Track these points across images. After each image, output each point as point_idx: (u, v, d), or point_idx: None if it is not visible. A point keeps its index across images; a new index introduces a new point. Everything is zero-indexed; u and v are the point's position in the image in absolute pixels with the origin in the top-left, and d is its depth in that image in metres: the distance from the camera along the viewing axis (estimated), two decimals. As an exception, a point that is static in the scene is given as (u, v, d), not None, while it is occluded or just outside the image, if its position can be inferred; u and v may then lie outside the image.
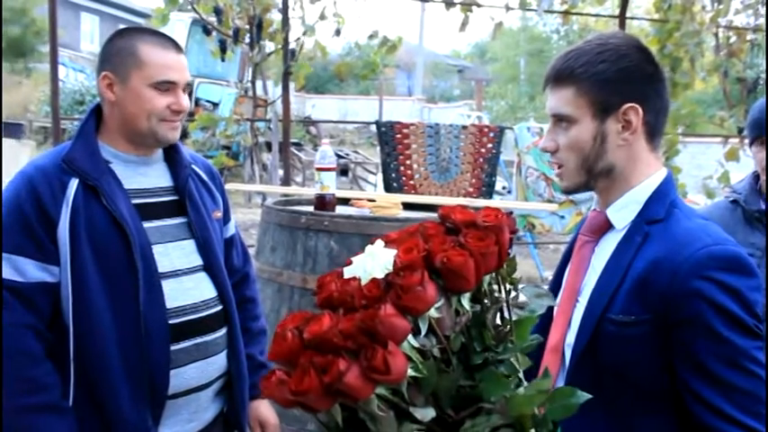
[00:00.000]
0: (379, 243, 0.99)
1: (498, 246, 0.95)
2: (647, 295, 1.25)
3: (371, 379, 0.84)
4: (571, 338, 1.35)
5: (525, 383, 0.97)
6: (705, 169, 6.94)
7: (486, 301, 0.96)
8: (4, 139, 12.01)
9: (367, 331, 0.86)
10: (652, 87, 1.34)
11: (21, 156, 10.20)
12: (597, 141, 1.33)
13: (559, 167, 1.39)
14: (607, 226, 1.38)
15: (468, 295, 0.93)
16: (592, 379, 1.27)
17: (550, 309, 1.26)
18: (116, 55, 1.72)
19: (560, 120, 1.36)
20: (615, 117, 1.32)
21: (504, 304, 0.98)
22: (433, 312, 0.89)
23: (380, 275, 0.92)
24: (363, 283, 0.93)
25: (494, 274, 0.97)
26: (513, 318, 0.98)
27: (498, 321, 0.98)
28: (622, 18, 5.82)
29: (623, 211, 1.36)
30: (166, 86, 1.72)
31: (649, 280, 1.25)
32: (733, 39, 6.01)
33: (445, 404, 0.91)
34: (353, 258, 0.98)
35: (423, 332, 0.89)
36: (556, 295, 1.44)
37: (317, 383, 0.84)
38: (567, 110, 1.34)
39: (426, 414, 0.88)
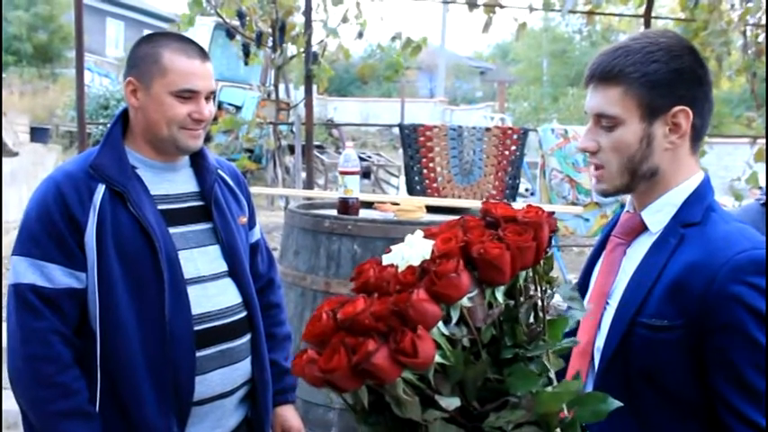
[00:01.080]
0: (419, 233, 0.99)
1: (536, 242, 0.94)
2: (683, 299, 1.21)
3: (399, 362, 0.85)
4: (600, 342, 1.33)
5: (555, 383, 0.96)
6: (732, 170, 6.84)
7: (521, 297, 0.95)
8: (31, 144, 12.18)
9: (398, 314, 0.87)
10: (701, 90, 1.30)
11: (47, 160, 10.34)
12: (643, 144, 1.29)
13: (597, 169, 1.34)
14: (641, 228, 1.35)
15: (502, 288, 0.93)
16: (621, 383, 1.25)
17: None
18: (141, 61, 1.73)
19: (604, 119, 1.31)
20: (664, 119, 1.28)
21: (539, 302, 0.97)
22: (465, 301, 0.89)
23: (417, 263, 0.93)
24: (400, 270, 0.93)
25: (530, 271, 0.97)
26: (548, 317, 0.97)
27: (532, 320, 0.97)
28: (648, 17, 5.75)
29: (659, 215, 1.33)
30: (188, 95, 1.70)
31: (685, 284, 1.22)
32: (761, 37, 5.90)
33: (471, 395, 0.91)
34: (392, 247, 0.99)
35: (453, 320, 0.89)
36: (582, 296, 1.41)
37: (345, 362, 0.85)
38: (614, 110, 1.29)
39: (451, 403, 0.88)
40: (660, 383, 1.24)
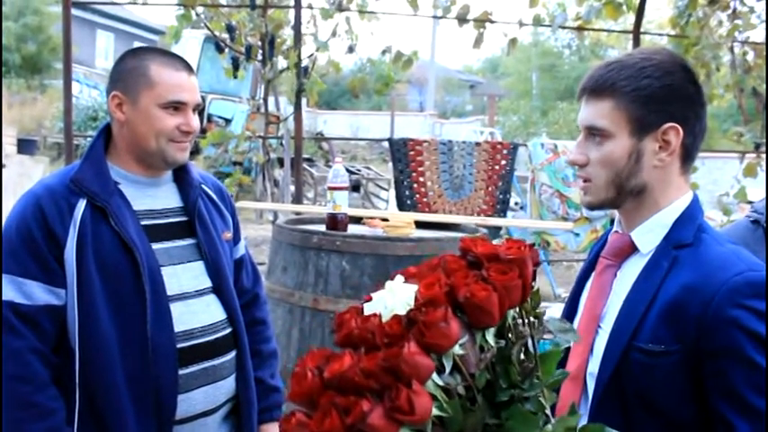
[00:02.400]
0: (399, 278, 0.96)
1: (522, 279, 0.92)
2: (679, 323, 1.20)
3: (395, 420, 0.81)
4: (593, 367, 1.30)
5: (552, 420, 0.93)
6: (720, 185, 6.86)
7: (510, 336, 0.93)
8: (18, 156, 12.10)
9: (390, 370, 0.83)
10: (693, 109, 1.29)
11: (34, 172, 10.25)
12: (632, 160, 1.27)
13: (586, 181, 1.33)
14: (631, 249, 1.33)
15: (492, 330, 0.90)
16: (618, 409, 1.23)
17: None
18: (127, 74, 1.71)
19: (594, 133, 1.30)
20: (654, 136, 1.27)
21: (529, 339, 0.94)
22: (457, 349, 0.86)
23: (402, 312, 0.90)
24: (385, 319, 0.90)
25: (517, 308, 0.94)
26: (538, 352, 0.95)
27: (522, 356, 0.94)
28: (637, 33, 5.78)
29: (649, 235, 1.31)
30: (176, 107, 1.70)
31: (681, 307, 1.20)
32: (750, 54, 5.94)
33: None
34: (373, 294, 0.95)
35: (447, 370, 0.86)
36: (571, 319, 1.39)
37: (338, 425, 0.82)
38: (603, 123, 1.28)
39: None
40: (656, 407, 1.22)
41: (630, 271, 1.31)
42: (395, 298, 0.92)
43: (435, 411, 0.84)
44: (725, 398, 1.16)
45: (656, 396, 1.22)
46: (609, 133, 1.27)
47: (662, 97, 1.26)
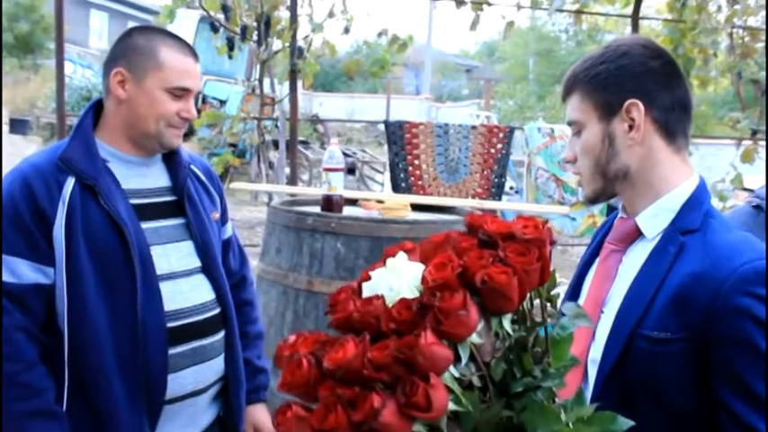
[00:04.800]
0: (402, 256, 0.89)
1: (541, 261, 0.86)
2: (686, 311, 1.18)
3: (410, 416, 0.75)
4: (595, 353, 1.28)
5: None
6: (716, 171, 6.85)
7: (527, 322, 0.87)
8: (10, 135, 12.02)
9: (404, 362, 0.76)
10: (655, 81, 1.28)
11: (26, 152, 10.19)
12: (606, 143, 1.29)
13: (580, 176, 1.36)
14: (636, 235, 1.31)
15: (509, 317, 0.85)
16: (621, 397, 1.21)
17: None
18: (134, 52, 1.69)
19: (573, 128, 1.34)
20: (620, 117, 1.28)
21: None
22: (474, 338, 0.80)
23: (410, 295, 0.83)
24: (389, 302, 0.83)
25: (532, 292, 0.88)
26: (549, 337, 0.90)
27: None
28: (635, 18, 5.74)
29: (655, 220, 1.29)
30: (180, 93, 1.70)
31: (688, 295, 1.18)
32: (747, 39, 5.92)
33: None
34: (372, 273, 0.88)
35: (464, 360, 0.80)
36: None
37: (344, 421, 0.75)
38: (576, 115, 1.32)
39: None
40: (659, 395, 1.21)
41: (636, 256, 1.30)
42: (400, 279, 0.85)
43: (452, 406, 0.78)
44: (730, 386, 1.15)
45: (660, 384, 1.20)
46: (581, 124, 1.31)
47: (618, 77, 1.28)
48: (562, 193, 5.54)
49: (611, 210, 6.74)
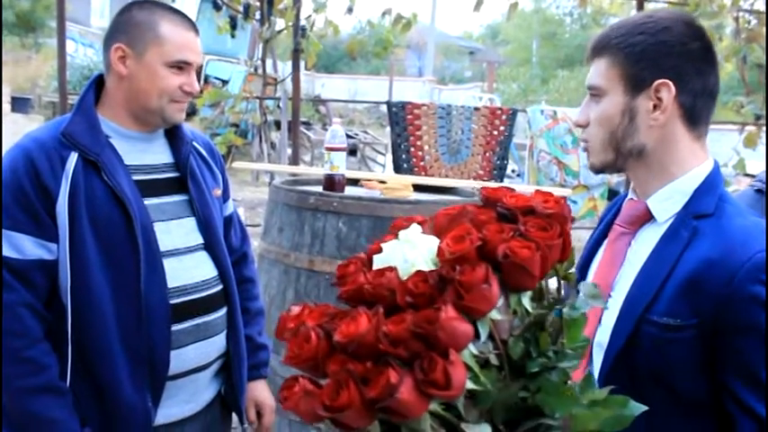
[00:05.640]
0: (416, 228, 0.85)
1: (562, 237, 0.83)
2: (697, 298, 1.14)
3: (427, 394, 0.71)
4: (602, 337, 1.26)
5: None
6: (719, 156, 6.82)
7: (543, 300, 0.84)
8: (12, 114, 11.99)
9: (422, 337, 0.72)
10: (692, 65, 1.22)
11: (28, 131, 10.17)
12: (626, 118, 1.24)
13: (586, 142, 1.31)
14: (647, 217, 1.28)
15: (528, 294, 0.81)
16: (628, 383, 1.16)
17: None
18: (134, 27, 1.67)
19: (593, 92, 1.28)
20: (647, 94, 1.22)
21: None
22: (494, 314, 0.77)
23: (425, 267, 0.79)
24: (404, 275, 0.79)
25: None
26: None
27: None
28: (640, 1, 5.69)
29: (667, 203, 1.25)
30: (182, 66, 1.68)
31: (701, 281, 1.14)
32: (753, 23, 5.87)
33: (499, 418, 0.80)
34: (384, 245, 0.85)
35: (483, 337, 0.76)
36: None
37: (357, 398, 0.71)
38: (599, 81, 1.26)
39: (481, 431, 0.77)
40: (667, 382, 1.19)
41: (646, 240, 1.26)
42: (415, 250, 0.81)
43: (469, 384, 0.74)
44: (739, 375, 1.13)
45: (668, 371, 1.18)
46: (603, 91, 1.26)
47: (654, 52, 1.22)
48: (564, 176, 5.53)
49: (613, 194, 6.74)
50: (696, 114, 1.25)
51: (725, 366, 1.15)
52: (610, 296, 1.28)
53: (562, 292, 0.88)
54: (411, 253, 0.81)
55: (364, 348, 0.74)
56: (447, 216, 0.87)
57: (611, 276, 1.29)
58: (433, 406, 0.74)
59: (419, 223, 0.87)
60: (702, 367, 1.16)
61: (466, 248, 0.78)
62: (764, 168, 2.22)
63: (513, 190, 0.89)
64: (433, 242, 0.82)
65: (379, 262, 0.83)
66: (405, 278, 0.79)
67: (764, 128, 5.57)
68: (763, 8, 5.84)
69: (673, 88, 1.21)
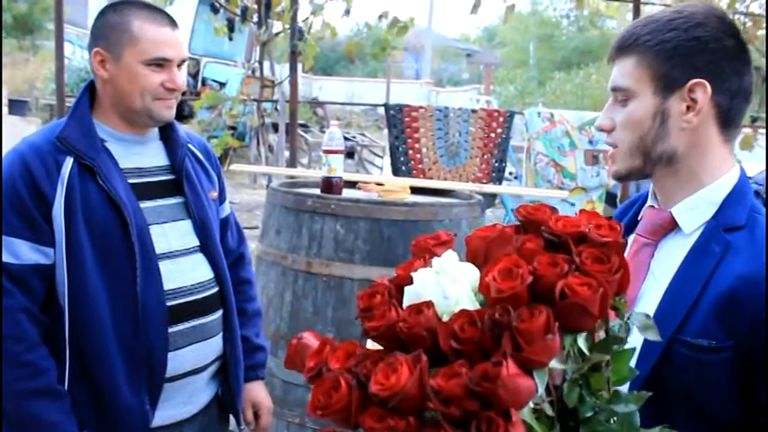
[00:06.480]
0: (451, 255, 0.75)
1: (621, 270, 0.74)
2: (735, 317, 1.07)
3: None
4: None
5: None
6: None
7: (594, 338, 0.76)
8: (9, 116, 11.99)
9: (480, 395, 0.64)
10: (729, 64, 1.14)
11: (25, 133, 10.15)
12: (657, 121, 1.15)
13: (613, 148, 1.22)
14: (671, 227, 1.19)
15: (584, 335, 0.73)
16: (658, 406, 1.08)
17: None
18: (109, 30, 1.67)
19: (618, 94, 1.19)
20: (680, 94, 1.14)
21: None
22: (554, 363, 0.69)
23: (470, 305, 0.71)
24: (444, 314, 0.70)
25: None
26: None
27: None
28: (637, 3, 5.71)
29: (693, 212, 1.17)
30: (160, 63, 1.66)
31: (736, 300, 1.06)
32: (749, 25, 5.90)
33: None
34: (416, 275, 0.75)
35: (540, 390, 0.68)
36: None
37: None
38: (626, 82, 1.17)
39: None
40: (700, 406, 1.11)
41: (672, 252, 1.18)
42: (455, 284, 0.72)
43: None
44: None
45: (701, 393, 1.10)
46: (632, 92, 1.17)
47: (688, 50, 1.12)
48: (561, 179, 5.54)
49: (610, 196, 6.74)
50: (731, 116, 1.17)
51: (764, 390, 1.07)
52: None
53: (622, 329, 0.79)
54: (452, 288, 0.72)
55: (407, 403, 0.66)
56: (483, 240, 0.78)
57: (635, 291, 1.19)
58: None
59: (446, 243, 0.79)
60: (738, 390, 1.10)
61: (517, 286, 0.69)
62: (761, 170, 2.22)
63: (555, 210, 0.80)
64: (473, 273, 0.74)
65: (411, 295, 0.75)
66: (445, 317, 0.71)
67: (762, 130, 5.59)
68: (757, 11, 5.87)
69: (708, 88, 1.13)
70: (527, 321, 0.67)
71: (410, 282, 0.76)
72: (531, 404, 0.68)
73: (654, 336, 0.83)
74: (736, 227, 1.13)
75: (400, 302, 0.76)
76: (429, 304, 0.71)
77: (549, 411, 0.70)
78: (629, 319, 0.81)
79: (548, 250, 0.75)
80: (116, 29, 1.66)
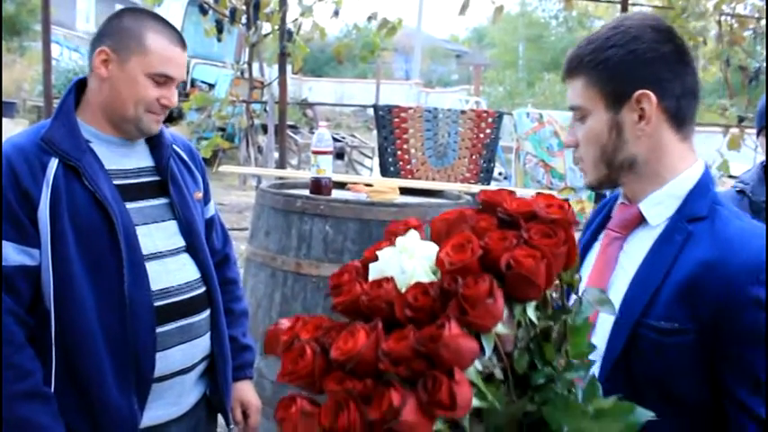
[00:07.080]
0: (413, 234, 0.81)
1: (567, 244, 0.79)
2: (695, 301, 1.13)
3: (432, 414, 0.68)
4: (597, 343, 1.20)
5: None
6: (704, 158, 6.88)
7: (547, 309, 0.80)
8: (-4, 118, 11.90)
9: (425, 355, 0.69)
10: (669, 70, 1.21)
11: (12, 135, 10.09)
12: (613, 133, 1.23)
13: (581, 162, 1.30)
14: (638, 221, 1.27)
15: (533, 304, 0.77)
16: (626, 390, 1.12)
17: None
18: (121, 33, 1.67)
19: (575, 112, 1.28)
20: (629, 106, 1.21)
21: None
22: (500, 328, 0.73)
23: (425, 278, 0.75)
24: (402, 286, 0.75)
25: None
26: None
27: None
28: (624, 3, 5.74)
29: (659, 207, 1.24)
30: (162, 80, 1.68)
31: (698, 284, 1.13)
32: (735, 26, 5.94)
33: None
34: (380, 252, 0.80)
35: (488, 353, 0.73)
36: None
37: (358, 420, 0.68)
38: (580, 101, 1.25)
39: None
40: (666, 387, 1.17)
41: (638, 244, 1.25)
42: (413, 260, 0.77)
43: (476, 402, 0.71)
44: (743, 381, 1.11)
45: (668, 375, 1.16)
46: (586, 110, 1.25)
47: (628, 65, 1.20)
48: (550, 179, 5.56)
49: (599, 196, 6.78)
50: (681, 116, 1.24)
51: (728, 371, 1.12)
52: None
53: (566, 299, 0.84)
54: (409, 263, 0.77)
55: (363, 366, 0.71)
56: (445, 221, 0.83)
57: (604, 282, 1.26)
58: (438, 426, 0.71)
59: (415, 228, 0.84)
60: (703, 372, 1.14)
61: (467, 258, 0.74)
62: (746, 169, 2.25)
63: (513, 193, 0.85)
64: (432, 250, 0.78)
65: (374, 271, 0.79)
66: (403, 289, 0.76)
67: (750, 130, 5.63)
68: (743, 12, 5.91)
69: (653, 97, 1.20)
70: (471, 288, 0.72)
71: (376, 260, 0.81)
72: (479, 366, 0.72)
73: (609, 311, 0.88)
74: (698, 217, 1.20)
75: (367, 280, 0.80)
76: (390, 279, 0.76)
77: (500, 375, 0.74)
78: (583, 294, 0.85)
79: (501, 228, 0.80)
80: (130, 34, 1.67)
